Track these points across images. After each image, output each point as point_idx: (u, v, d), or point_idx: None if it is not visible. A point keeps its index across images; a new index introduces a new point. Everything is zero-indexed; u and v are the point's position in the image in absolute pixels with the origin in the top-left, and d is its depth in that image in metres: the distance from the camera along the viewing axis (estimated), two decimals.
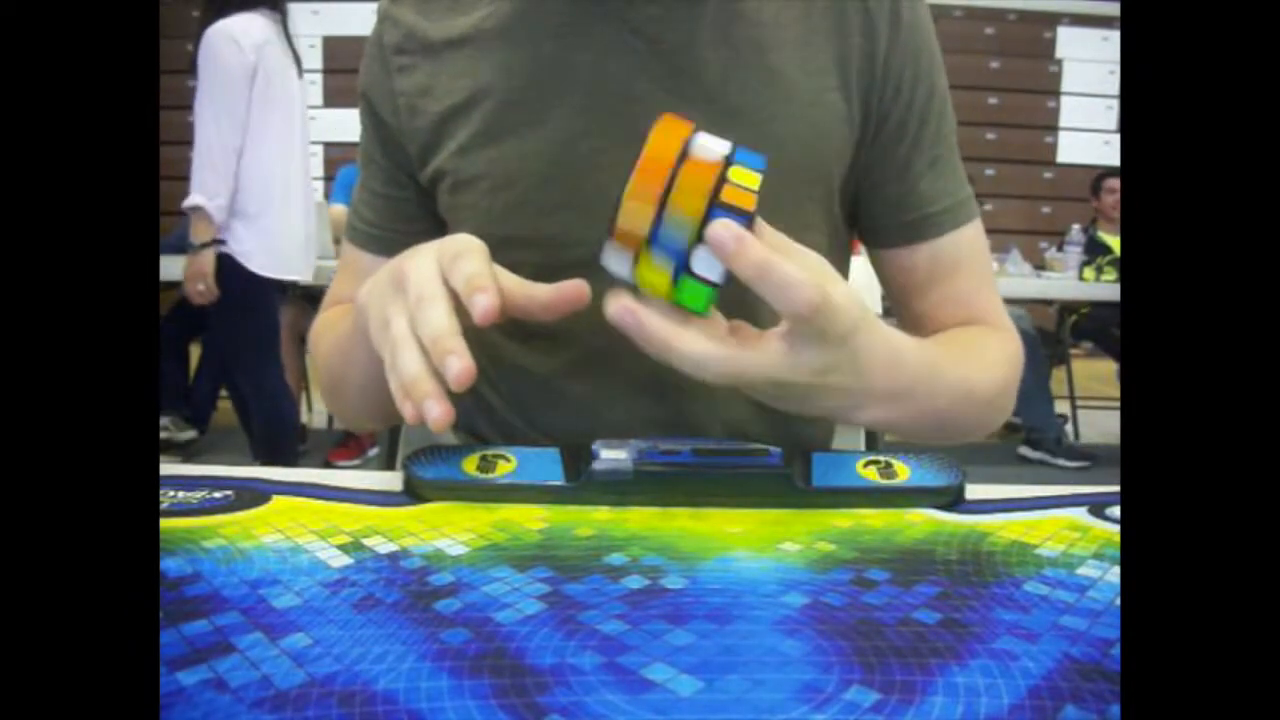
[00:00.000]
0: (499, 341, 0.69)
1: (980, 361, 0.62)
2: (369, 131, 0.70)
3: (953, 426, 0.60)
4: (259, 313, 2.32)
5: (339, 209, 3.06)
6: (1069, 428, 3.49)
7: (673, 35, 0.62)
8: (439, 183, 0.66)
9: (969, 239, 0.68)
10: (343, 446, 3.03)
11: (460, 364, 0.43)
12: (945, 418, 0.57)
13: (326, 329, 0.70)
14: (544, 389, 0.69)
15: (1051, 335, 3.54)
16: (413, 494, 0.51)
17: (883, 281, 0.72)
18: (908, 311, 0.71)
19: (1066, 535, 0.47)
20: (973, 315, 0.68)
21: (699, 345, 0.44)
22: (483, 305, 0.44)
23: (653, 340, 0.44)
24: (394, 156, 0.68)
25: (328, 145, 4.83)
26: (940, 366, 0.55)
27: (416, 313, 0.45)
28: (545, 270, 0.62)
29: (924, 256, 0.67)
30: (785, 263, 0.42)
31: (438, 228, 0.69)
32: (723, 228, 0.41)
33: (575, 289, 0.49)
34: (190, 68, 2.16)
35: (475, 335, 0.45)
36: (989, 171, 5.21)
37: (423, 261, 0.47)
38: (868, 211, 0.68)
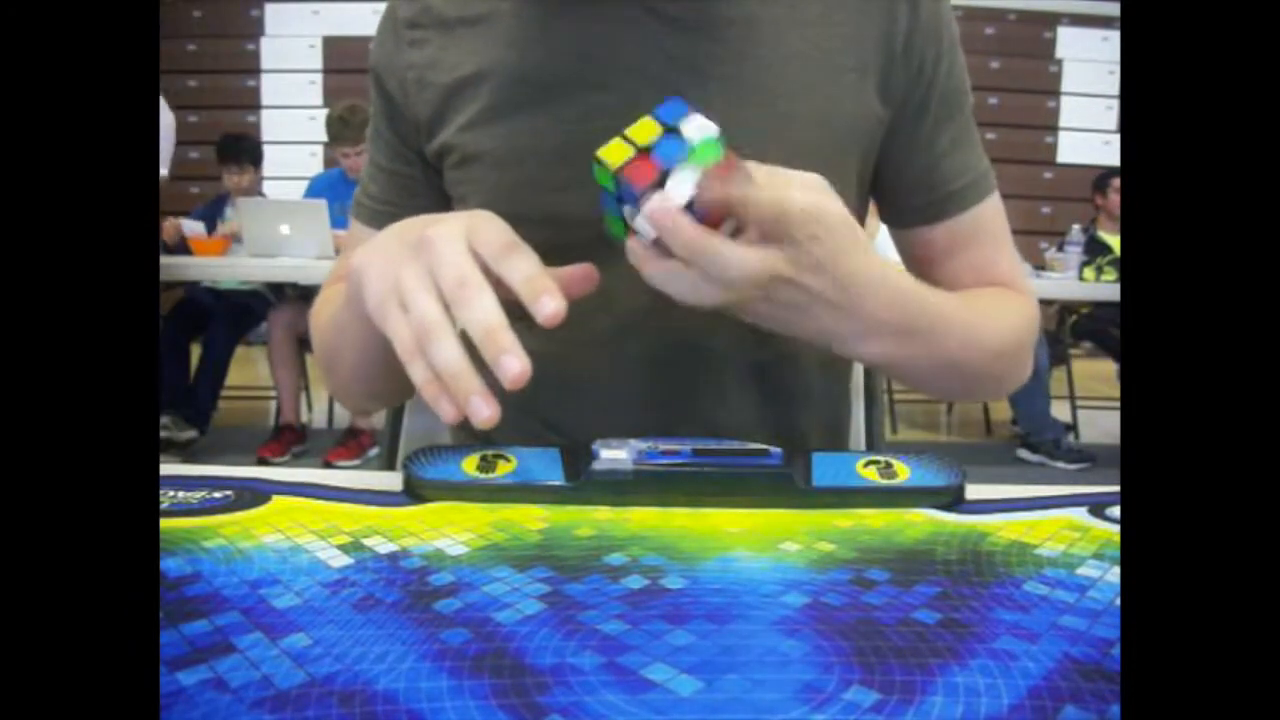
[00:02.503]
0: None
1: (992, 314, 0.64)
2: (376, 106, 0.70)
3: (963, 375, 0.61)
4: None
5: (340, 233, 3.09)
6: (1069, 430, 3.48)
7: (687, 14, 0.62)
8: (445, 157, 0.67)
9: (988, 212, 0.69)
10: (342, 446, 3.03)
11: (519, 365, 0.40)
12: (956, 363, 0.58)
13: (325, 303, 0.69)
14: (547, 371, 0.69)
15: (1052, 335, 3.54)
16: (413, 494, 0.51)
17: (900, 252, 0.73)
18: (926, 279, 0.71)
19: (1066, 535, 0.47)
20: (992, 281, 0.69)
21: (676, 270, 0.47)
22: (551, 309, 0.42)
23: (688, 238, 0.46)
24: (399, 131, 0.69)
25: (327, 145, 4.83)
26: (948, 311, 0.57)
27: (459, 297, 0.42)
28: (552, 249, 0.62)
29: (942, 231, 0.68)
30: (718, 245, 0.45)
31: (443, 205, 0.69)
32: (657, 201, 0.45)
33: (584, 273, 0.49)
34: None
35: None
36: None
37: (452, 236, 0.44)
38: (890, 192, 0.69)
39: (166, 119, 3.00)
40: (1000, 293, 0.68)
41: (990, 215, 0.69)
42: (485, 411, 0.41)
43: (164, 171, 2.98)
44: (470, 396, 0.41)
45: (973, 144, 0.69)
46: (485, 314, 0.42)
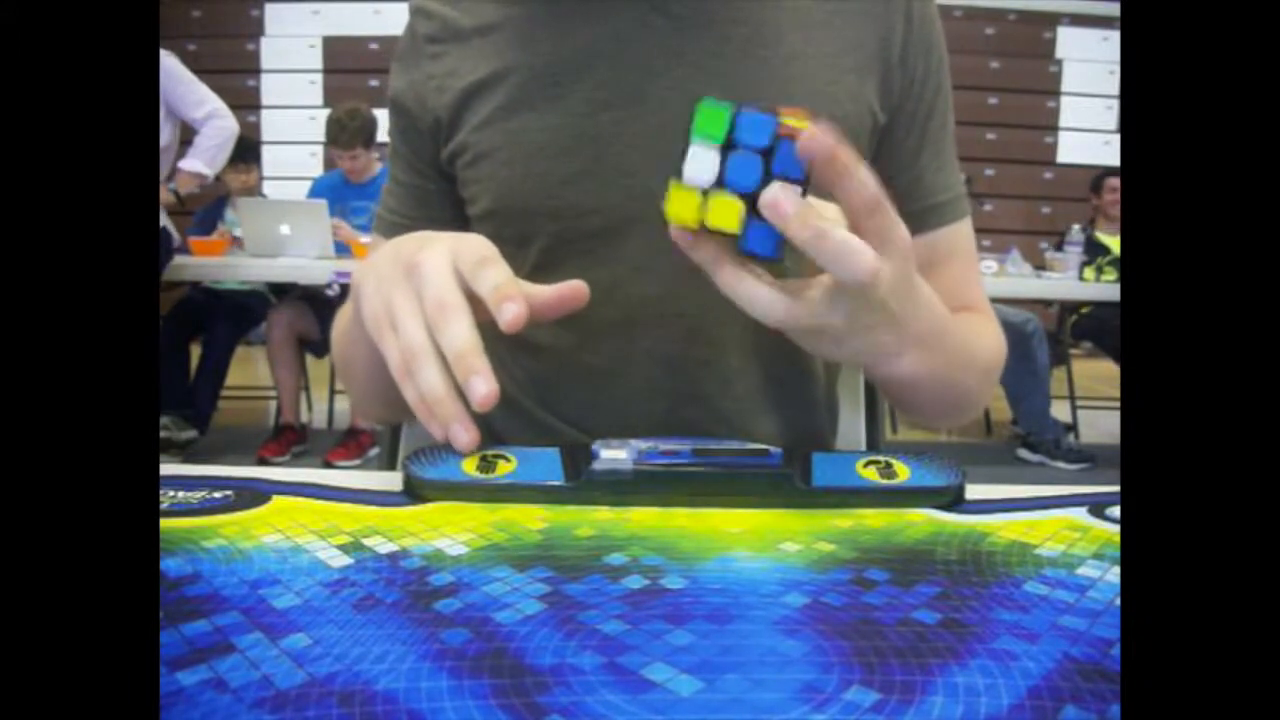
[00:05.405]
0: None
1: (977, 334, 0.66)
2: (394, 124, 0.72)
3: (956, 393, 0.62)
4: None
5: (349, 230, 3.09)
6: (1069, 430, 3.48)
7: (693, 12, 0.64)
8: (459, 158, 0.68)
9: (964, 232, 0.72)
10: (342, 446, 3.03)
11: (486, 387, 0.43)
12: (954, 381, 0.60)
13: (342, 314, 0.71)
14: (559, 364, 0.70)
15: (1052, 335, 3.54)
16: (413, 494, 0.51)
17: None
18: None
19: (1066, 535, 0.47)
20: (961, 304, 0.70)
21: (754, 286, 0.45)
22: (512, 313, 0.44)
23: (722, 270, 0.44)
24: (413, 145, 0.71)
25: (325, 145, 4.83)
26: (952, 325, 0.58)
27: (438, 321, 0.45)
28: (560, 241, 0.63)
29: (922, 244, 0.70)
30: (841, 229, 0.42)
31: (459, 220, 0.71)
32: (779, 190, 0.41)
33: (574, 290, 0.50)
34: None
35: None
36: (989, 171, 5.21)
37: (438, 259, 0.46)
38: None
39: (228, 124, 3.05)
40: (976, 314, 0.70)
41: (965, 237, 0.72)
42: (463, 438, 0.44)
43: (207, 171, 3.04)
44: (450, 423, 0.44)
45: (954, 167, 0.72)
46: (456, 338, 0.44)
